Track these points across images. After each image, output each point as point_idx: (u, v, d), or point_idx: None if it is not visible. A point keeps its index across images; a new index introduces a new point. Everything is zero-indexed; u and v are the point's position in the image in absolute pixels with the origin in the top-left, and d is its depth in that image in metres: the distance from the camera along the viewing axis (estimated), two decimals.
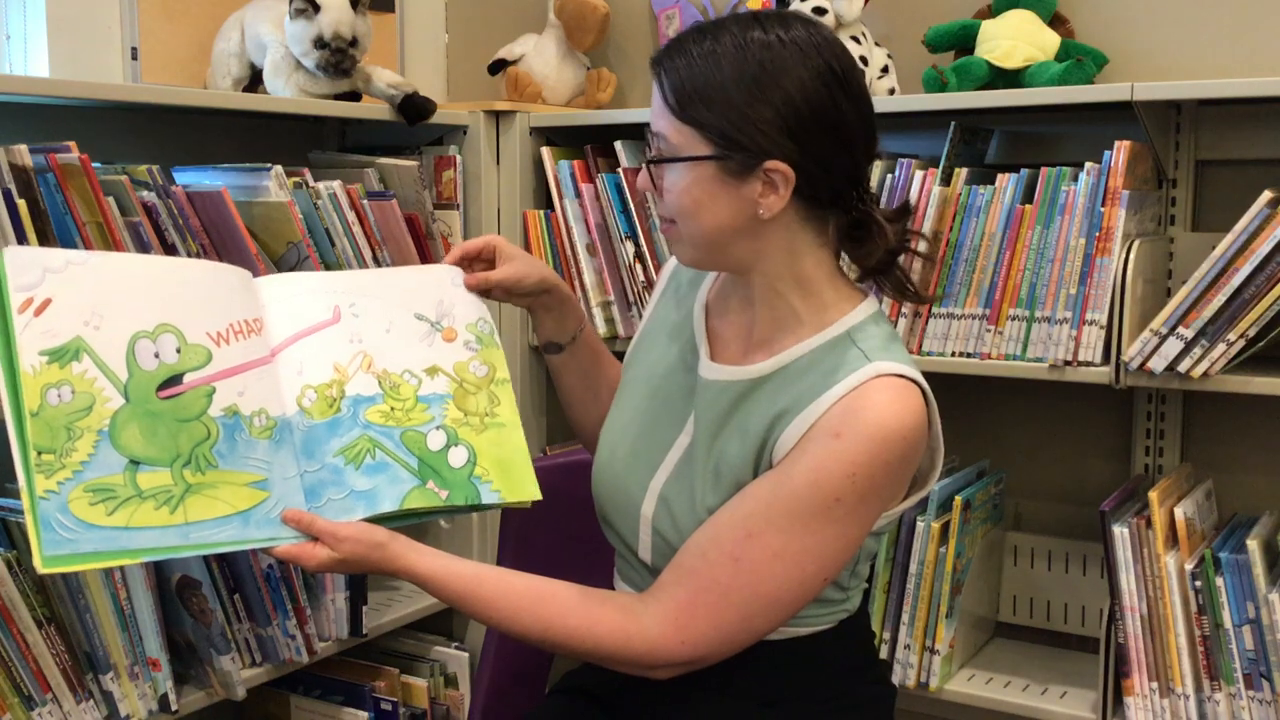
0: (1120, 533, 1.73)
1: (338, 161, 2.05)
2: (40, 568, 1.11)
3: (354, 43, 1.90)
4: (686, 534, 1.29)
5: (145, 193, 1.59)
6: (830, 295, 1.30)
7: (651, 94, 1.28)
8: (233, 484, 1.22)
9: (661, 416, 1.37)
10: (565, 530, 1.70)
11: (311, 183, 1.80)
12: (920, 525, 1.84)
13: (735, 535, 1.23)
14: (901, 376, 1.23)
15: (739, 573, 1.22)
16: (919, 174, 1.85)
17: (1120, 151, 1.73)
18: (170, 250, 1.59)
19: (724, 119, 1.21)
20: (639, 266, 2.06)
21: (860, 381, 1.22)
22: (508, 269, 1.43)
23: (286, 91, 1.91)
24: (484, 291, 1.43)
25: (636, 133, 2.13)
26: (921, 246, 1.41)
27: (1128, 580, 1.73)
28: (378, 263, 1.83)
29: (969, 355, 1.83)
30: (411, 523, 1.32)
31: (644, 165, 1.29)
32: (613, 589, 1.45)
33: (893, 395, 1.22)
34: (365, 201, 1.85)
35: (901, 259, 1.34)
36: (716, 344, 1.36)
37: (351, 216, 1.80)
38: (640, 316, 1.60)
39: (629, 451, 1.38)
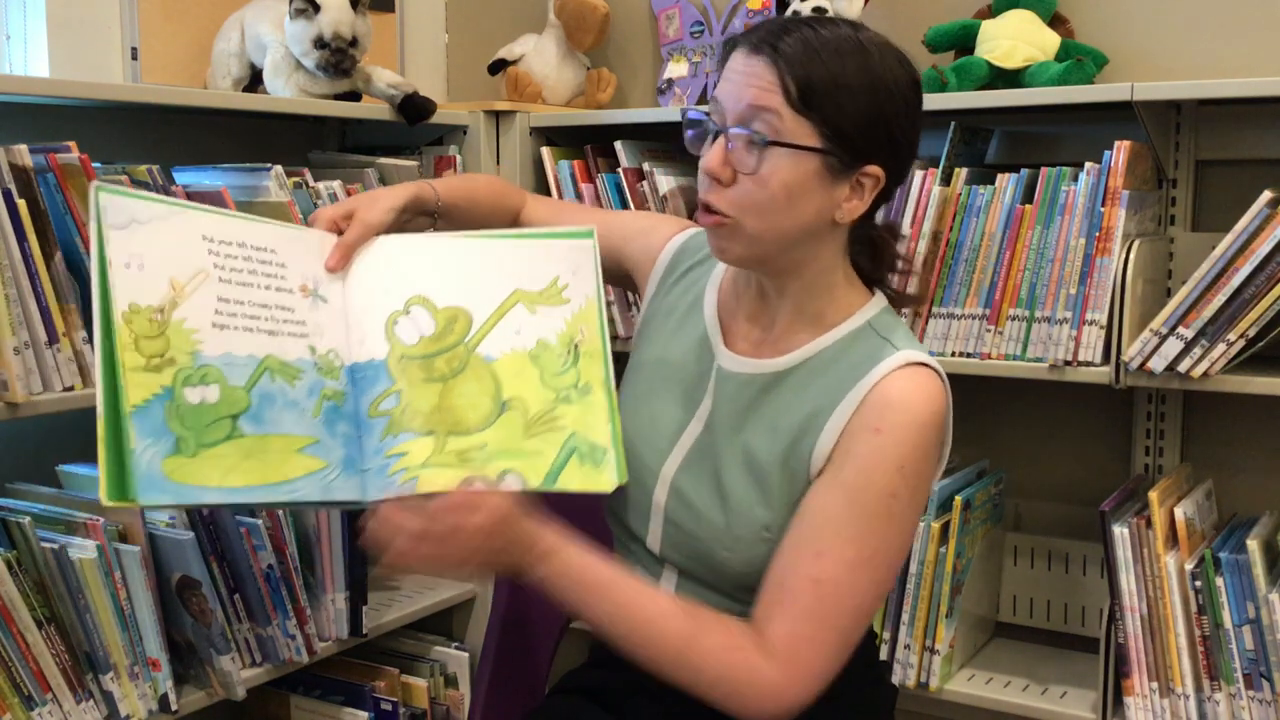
0: (1120, 533, 1.73)
1: (338, 161, 2.05)
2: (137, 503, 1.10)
3: (354, 43, 1.90)
4: (712, 526, 1.29)
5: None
6: (850, 295, 1.32)
7: (740, 75, 1.22)
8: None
9: (670, 403, 1.37)
10: (565, 528, 1.70)
11: (311, 183, 1.80)
12: (920, 525, 1.84)
13: (806, 558, 1.22)
14: (925, 365, 1.26)
15: (822, 595, 1.21)
16: (919, 174, 1.85)
17: (1120, 151, 1.73)
18: None
19: (844, 115, 1.20)
20: None
21: (889, 370, 1.24)
22: (359, 229, 1.34)
23: (286, 91, 1.91)
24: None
25: (636, 133, 2.13)
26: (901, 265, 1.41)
27: (1128, 580, 1.73)
28: None
29: (969, 355, 1.83)
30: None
31: (747, 144, 1.21)
32: None
33: (921, 381, 1.24)
34: None
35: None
36: (728, 336, 1.36)
37: None
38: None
39: (637, 439, 1.37)
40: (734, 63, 1.24)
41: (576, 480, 1.27)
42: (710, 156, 1.23)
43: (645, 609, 1.23)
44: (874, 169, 1.23)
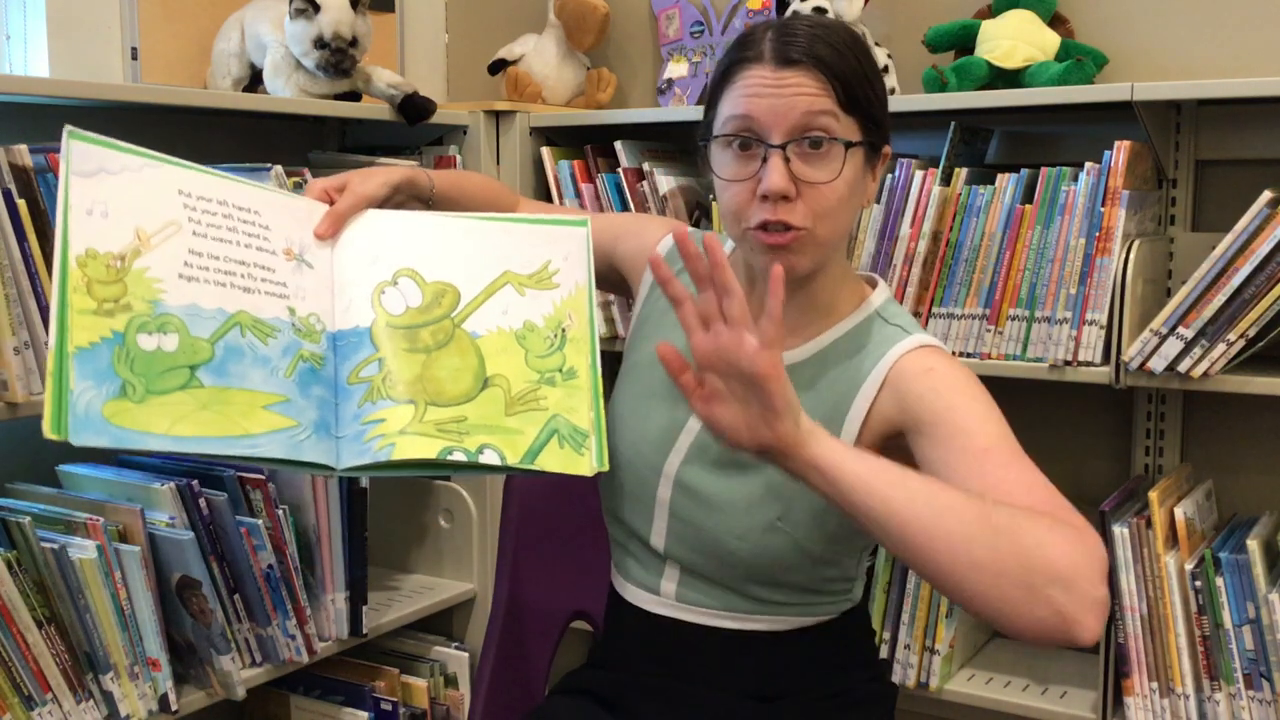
0: (1120, 533, 1.73)
1: (338, 161, 2.05)
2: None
3: (354, 43, 1.90)
4: (722, 517, 1.29)
5: None
6: (851, 283, 1.34)
7: (780, 89, 1.21)
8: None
9: (669, 400, 1.36)
10: (565, 527, 1.70)
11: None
12: None
13: (974, 457, 1.13)
14: (939, 348, 1.28)
15: (1010, 448, 1.14)
16: (919, 174, 1.85)
17: (1120, 151, 1.73)
18: None
19: (873, 105, 1.25)
20: None
21: (905, 351, 1.26)
22: (351, 199, 1.34)
23: (286, 91, 1.91)
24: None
25: (636, 133, 2.13)
26: None
27: (1128, 580, 1.73)
28: None
29: (969, 355, 1.83)
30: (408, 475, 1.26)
31: (812, 153, 1.21)
32: (611, 584, 1.45)
33: (945, 352, 1.28)
34: None
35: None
36: None
37: None
38: None
39: (637, 437, 1.37)
40: (759, 79, 1.22)
41: (556, 462, 1.25)
42: (775, 176, 1.20)
43: (940, 484, 1.07)
44: (887, 148, 1.30)
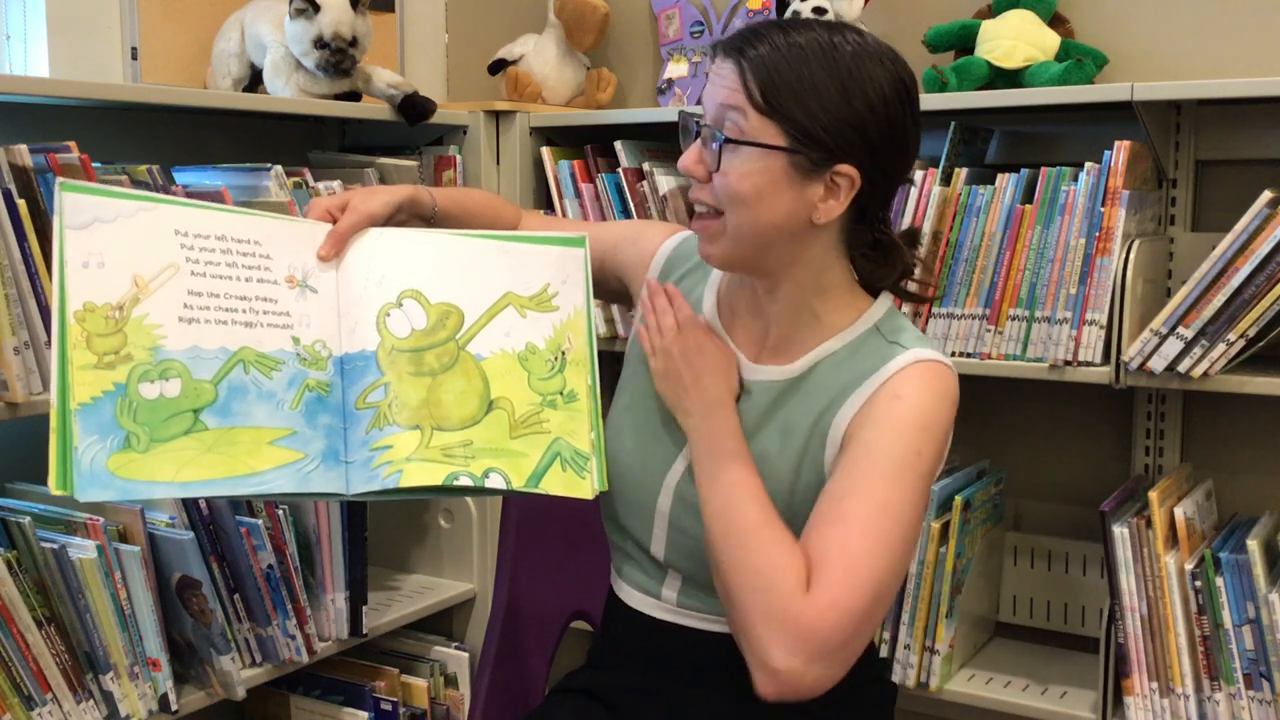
0: (1120, 533, 1.73)
1: (338, 161, 2.05)
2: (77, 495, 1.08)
3: (354, 43, 1.91)
4: None
5: None
6: (848, 297, 1.32)
7: (715, 77, 1.25)
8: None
9: (669, 411, 1.37)
10: (565, 528, 1.70)
11: (311, 183, 1.80)
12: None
13: (833, 505, 1.19)
14: (936, 360, 1.26)
15: (849, 531, 1.17)
16: (919, 174, 1.85)
17: (1120, 151, 1.73)
18: None
19: (809, 115, 1.20)
20: None
21: (902, 366, 1.24)
22: (353, 217, 1.33)
23: (286, 91, 1.92)
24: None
25: (636, 133, 2.13)
26: (918, 272, 1.40)
27: (1128, 580, 1.74)
28: None
29: (969, 355, 1.83)
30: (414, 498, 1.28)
31: (712, 145, 1.24)
32: (610, 585, 1.45)
33: (934, 369, 1.25)
34: None
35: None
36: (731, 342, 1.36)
37: None
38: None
39: (639, 446, 1.37)
40: (713, 67, 1.27)
41: (558, 485, 1.27)
42: (685, 155, 1.27)
43: (757, 496, 1.23)
44: (847, 169, 1.22)
